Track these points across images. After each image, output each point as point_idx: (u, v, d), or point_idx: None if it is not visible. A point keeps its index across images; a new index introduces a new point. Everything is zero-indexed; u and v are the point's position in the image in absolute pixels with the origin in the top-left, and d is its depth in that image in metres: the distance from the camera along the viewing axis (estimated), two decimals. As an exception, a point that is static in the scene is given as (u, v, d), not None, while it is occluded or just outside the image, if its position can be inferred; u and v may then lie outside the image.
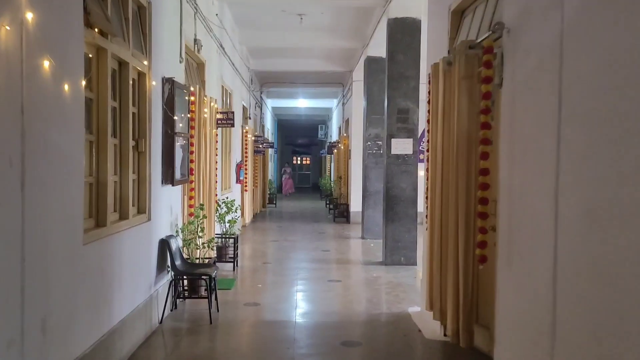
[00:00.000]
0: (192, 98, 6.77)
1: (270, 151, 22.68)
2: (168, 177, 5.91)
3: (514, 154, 3.63)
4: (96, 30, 4.05)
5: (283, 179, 28.78)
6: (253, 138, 14.44)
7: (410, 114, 9.25)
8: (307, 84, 18.02)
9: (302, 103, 23.67)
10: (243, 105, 13.18)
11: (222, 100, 10.23)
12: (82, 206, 3.73)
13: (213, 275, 5.99)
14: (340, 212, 15.93)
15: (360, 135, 14.78)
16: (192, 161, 6.74)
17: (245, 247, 10.88)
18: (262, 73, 16.44)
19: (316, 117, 29.76)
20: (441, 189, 4.84)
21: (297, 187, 32.48)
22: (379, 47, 11.41)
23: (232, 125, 9.01)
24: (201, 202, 7.14)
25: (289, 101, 24.47)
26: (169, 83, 5.88)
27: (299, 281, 7.95)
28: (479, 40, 4.16)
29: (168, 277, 5.99)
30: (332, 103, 24.17)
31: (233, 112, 9.11)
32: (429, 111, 5.40)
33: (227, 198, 9.33)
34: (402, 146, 9.18)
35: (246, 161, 13.03)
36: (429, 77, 5.39)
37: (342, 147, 16.86)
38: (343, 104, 18.16)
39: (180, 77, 6.50)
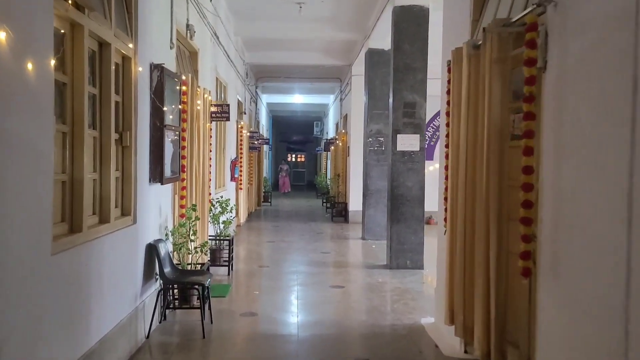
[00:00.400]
0: (184, 88, 6.17)
1: (265, 148, 22.10)
2: (157, 175, 5.32)
3: (563, 148, 3.08)
4: (69, 1, 3.46)
5: (280, 177, 27.64)
6: (248, 134, 13.85)
7: (417, 108, 8.70)
8: (304, 78, 17.45)
9: (297, 99, 23.08)
10: (238, 100, 12.59)
11: (217, 93, 9.63)
12: (50, 209, 3.14)
13: (206, 283, 5.41)
14: (338, 211, 15.37)
15: (361, 132, 14.26)
16: (183, 157, 6.15)
17: (240, 248, 10.30)
18: (258, 66, 15.85)
19: (312, 114, 29.18)
20: (465, 190, 4.28)
21: (292, 184, 31.80)
22: (381, 39, 10.85)
23: (227, 119, 8.42)
24: (193, 203, 6.56)
25: (284, 97, 23.87)
26: (158, 70, 5.28)
27: (299, 287, 7.39)
28: (514, 18, 3.60)
29: (156, 285, 5.41)
30: (329, 99, 23.60)
31: (228, 105, 8.51)
32: (448, 102, 4.85)
33: (221, 197, 8.73)
34: (408, 142, 8.62)
35: (241, 158, 12.45)
36: (449, 65, 4.83)
37: (340, 144, 16.32)
38: (341, 99, 17.62)
39: (171, 65, 5.91)
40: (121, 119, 4.58)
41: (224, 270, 7.91)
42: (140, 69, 4.78)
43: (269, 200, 20.42)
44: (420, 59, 8.64)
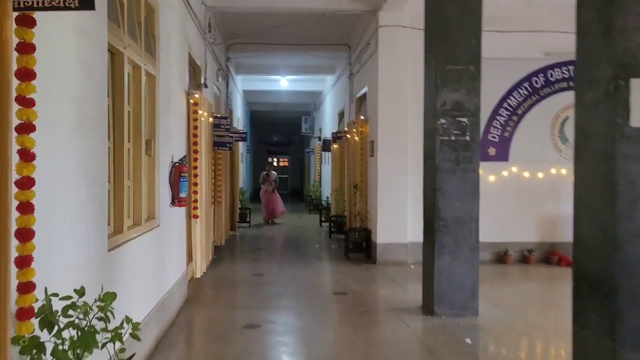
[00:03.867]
0: None
1: (241, 148, 16.44)
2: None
3: None
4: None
5: (263, 192, 16.02)
6: (211, 120, 8.24)
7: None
8: (296, 45, 11.89)
9: (283, 84, 17.49)
10: (190, 56, 6.97)
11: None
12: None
13: None
14: (356, 243, 9.82)
15: (396, 115, 8.86)
16: None
17: (183, 351, 4.70)
18: (228, 16, 10.21)
19: (298, 107, 23.61)
20: None
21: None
22: None
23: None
24: None
25: (266, 82, 18.27)
26: None
27: None
28: None
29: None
30: (324, 85, 18.08)
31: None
32: None
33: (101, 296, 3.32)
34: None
35: (196, 160, 6.82)
36: None
37: (353, 140, 10.76)
38: (351, 75, 12.08)
39: None
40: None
41: None
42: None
43: (248, 220, 14.81)
44: None
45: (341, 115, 14.61)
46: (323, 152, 17.10)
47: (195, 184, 6.65)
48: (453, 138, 6.05)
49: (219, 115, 8.79)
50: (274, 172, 16.41)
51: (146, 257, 4.62)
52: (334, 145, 13.97)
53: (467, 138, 6.04)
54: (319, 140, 20.15)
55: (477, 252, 6.12)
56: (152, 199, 4.97)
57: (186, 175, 5.83)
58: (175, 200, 5.73)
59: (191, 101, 6.66)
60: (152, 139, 4.90)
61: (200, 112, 6.90)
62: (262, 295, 7.09)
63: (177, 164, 5.79)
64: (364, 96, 10.90)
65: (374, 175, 9.54)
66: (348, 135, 11.43)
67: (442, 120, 6.05)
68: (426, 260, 6.48)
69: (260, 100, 21.39)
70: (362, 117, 10.11)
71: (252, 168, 27.39)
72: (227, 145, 8.39)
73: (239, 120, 16.47)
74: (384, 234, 9.18)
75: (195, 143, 6.65)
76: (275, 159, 33.89)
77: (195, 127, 6.64)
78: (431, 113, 6.21)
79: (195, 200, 6.66)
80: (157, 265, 5.09)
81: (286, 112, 24.69)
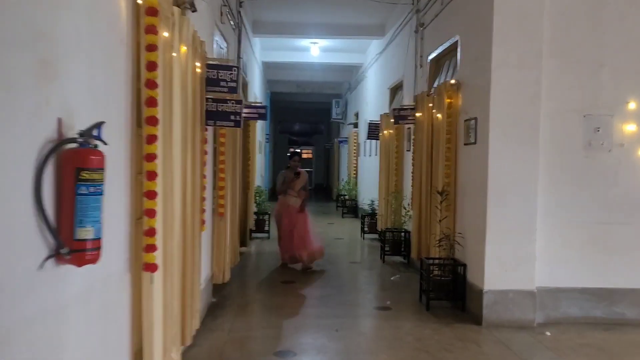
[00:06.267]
0: None
1: (259, 133, 12.70)
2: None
3: None
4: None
5: (279, 208, 8.45)
6: (201, 70, 4.39)
7: None
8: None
9: (314, 53, 13.71)
10: None
11: None
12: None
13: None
14: (442, 285, 5.98)
15: (525, 76, 5.05)
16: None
17: None
18: None
19: (328, 89, 19.83)
20: None
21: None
22: None
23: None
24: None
25: (291, 53, 14.53)
26: None
27: None
28: None
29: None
30: (366, 56, 14.27)
31: None
32: None
33: None
34: None
35: (151, 140, 3.04)
36: None
37: (437, 117, 6.77)
38: (419, 27, 8.22)
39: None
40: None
41: None
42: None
43: (266, 229, 11.10)
44: None
45: (395, 90, 10.79)
46: (366, 141, 13.28)
47: (150, 195, 2.94)
48: None
49: (216, 62, 4.90)
50: (298, 166, 8.48)
51: None
52: (386, 131, 10.19)
53: None
54: (355, 127, 16.39)
55: None
56: None
57: (99, 180, 2.13)
58: (65, 251, 2.03)
59: (140, 1, 2.91)
60: None
61: (166, 36, 3.16)
62: None
63: (75, 143, 2.09)
64: (447, 53, 7.09)
65: (474, 175, 5.75)
66: (418, 114, 7.61)
67: None
68: None
69: (283, 78, 17.67)
70: (452, 82, 6.28)
71: (272, 161, 23.69)
72: (233, 118, 4.60)
73: (257, 99, 12.72)
74: (495, 275, 5.40)
75: (151, 103, 2.91)
76: (297, 151, 30.21)
77: (152, 67, 2.91)
78: None
79: (150, 233, 2.93)
80: None
81: (314, 94, 20.89)
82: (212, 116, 4.49)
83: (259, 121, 11.63)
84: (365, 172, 14.22)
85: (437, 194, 6.19)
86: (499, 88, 5.39)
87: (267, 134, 17.66)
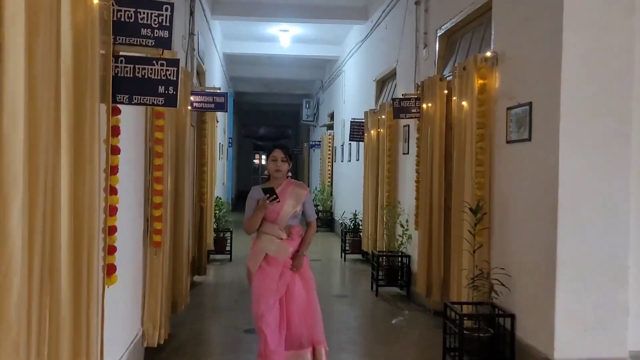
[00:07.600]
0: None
1: (219, 135, 10.70)
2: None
3: None
4: None
5: (254, 252, 3.88)
6: (97, 1, 2.53)
7: None
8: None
9: (284, 43, 11.80)
10: None
11: None
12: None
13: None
14: (480, 351, 4.15)
15: (611, 44, 2.98)
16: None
17: None
18: None
19: (298, 89, 17.95)
20: None
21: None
22: None
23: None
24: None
25: (258, 44, 12.61)
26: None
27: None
28: None
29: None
30: (343, 48, 12.46)
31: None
32: None
33: None
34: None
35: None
36: None
37: (462, 105, 4.86)
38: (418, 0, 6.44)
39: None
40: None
41: None
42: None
43: (228, 250, 9.13)
44: None
45: (383, 83, 8.98)
46: (344, 145, 11.41)
47: None
48: None
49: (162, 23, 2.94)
50: (284, 164, 3.88)
51: None
52: (372, 131, 8.38)
53: None
54: (329, 129, 14.57)
55: None
56: None
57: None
58: None
59: None
60: None
61: None
62: None
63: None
64: (471, 21, 5.31)
65: (529, 186, 3.95)
66: (426, 105, 5.79)
67: None
68: None
69: (248, 74, 15.68)
70: (487, 54, 4.48)
71: (235, 168, 21.63)
72: (162, 91, 2.61)
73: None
74: (570, 336, 3.60)
75: None
76: (261, 157, 28.23)
77: None
78: None
79: None
80: None
81: (282, 95, 18.97)
82: (126, 87, 2.54)
83: (219, 122, 9.71)
84: (342, 180, 12.36)
85: (469, 211, 4.34)
86: (572, 60, 3.62)
87: (229, 138, 15.65)
